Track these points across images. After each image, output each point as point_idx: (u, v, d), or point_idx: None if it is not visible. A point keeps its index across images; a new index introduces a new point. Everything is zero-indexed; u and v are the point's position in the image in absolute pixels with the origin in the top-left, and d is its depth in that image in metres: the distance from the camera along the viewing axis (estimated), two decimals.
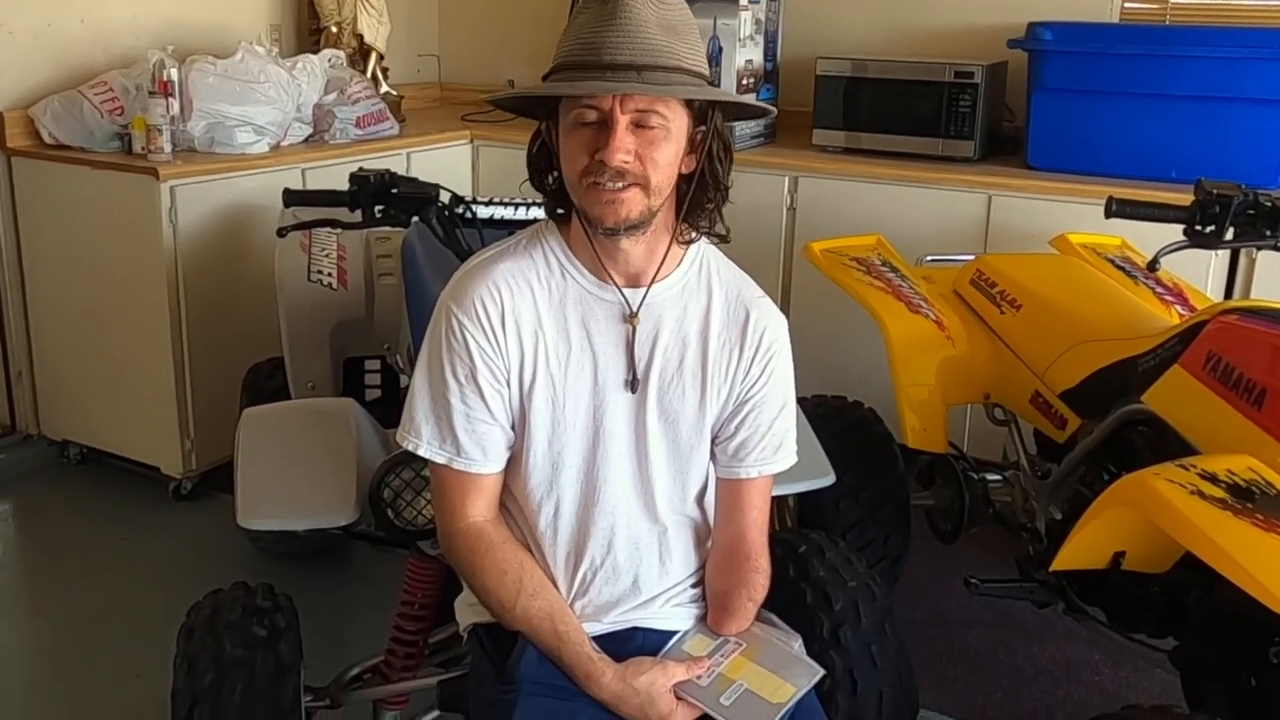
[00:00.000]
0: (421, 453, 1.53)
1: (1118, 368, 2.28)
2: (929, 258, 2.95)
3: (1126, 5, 3.65)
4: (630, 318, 1.51)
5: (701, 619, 1.61)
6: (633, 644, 1.55)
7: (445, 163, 3.97)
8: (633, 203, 1.42)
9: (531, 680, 1.48)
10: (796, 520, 2.70)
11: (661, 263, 1.52)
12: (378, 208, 2.05)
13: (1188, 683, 2.03)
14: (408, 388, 2.53)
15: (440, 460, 1.52)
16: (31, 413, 3.61)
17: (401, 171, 2.37)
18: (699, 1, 3.35)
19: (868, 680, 1.80)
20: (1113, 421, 2.22)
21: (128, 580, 3.00)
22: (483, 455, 1.52)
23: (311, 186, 3.34)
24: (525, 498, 1.55)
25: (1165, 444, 2.07)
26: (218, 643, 1.77)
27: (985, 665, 2.68)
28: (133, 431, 3.42)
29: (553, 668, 1.49)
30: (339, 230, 2.91)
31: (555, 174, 1.50)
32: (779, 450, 1.60)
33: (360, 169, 2.11)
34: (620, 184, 1.40)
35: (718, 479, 1.60)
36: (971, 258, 2.83)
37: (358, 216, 2.10)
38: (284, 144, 3.53)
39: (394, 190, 2.05)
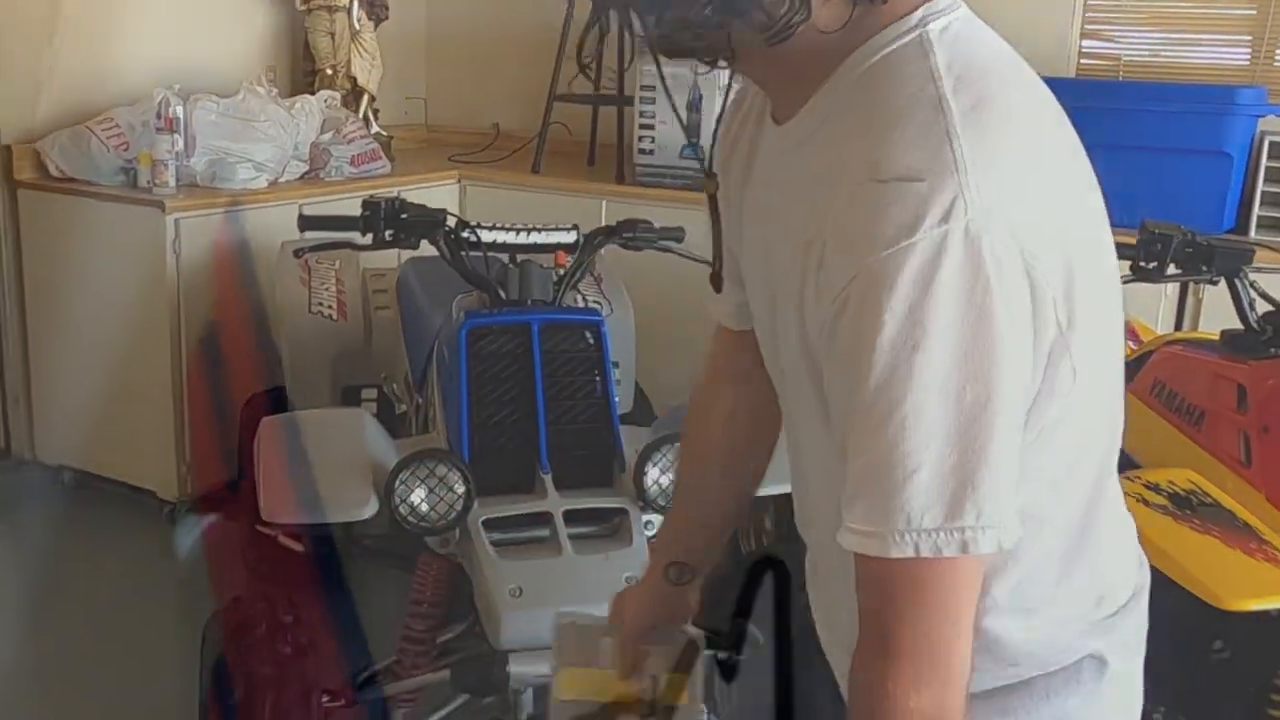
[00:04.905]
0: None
1: None
2: None
3: (1082, 62, 3.88)
4: None
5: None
6: None
7: (435, 200, 4.01)
8: None
9: None
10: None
11: None
12: (388, 231, 2.18)
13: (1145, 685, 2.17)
14: (403, 415, 2.58)
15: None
16: (27, 438, 3.68)
17: None
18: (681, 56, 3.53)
19: None
20: None
21: (120, 603, 3.03)
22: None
23: None
24: None
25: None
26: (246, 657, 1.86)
27: None
28: (129, 455, 3.50)
29: None
30: (337, 264, 3.06)
31: None
32: None
33: (371, 196, 2.25)
34: None
35: None
36: None
37: (368, 240, 2.23)
38: (282, 180, 3.66)
39: (403, 215, 2.18)
